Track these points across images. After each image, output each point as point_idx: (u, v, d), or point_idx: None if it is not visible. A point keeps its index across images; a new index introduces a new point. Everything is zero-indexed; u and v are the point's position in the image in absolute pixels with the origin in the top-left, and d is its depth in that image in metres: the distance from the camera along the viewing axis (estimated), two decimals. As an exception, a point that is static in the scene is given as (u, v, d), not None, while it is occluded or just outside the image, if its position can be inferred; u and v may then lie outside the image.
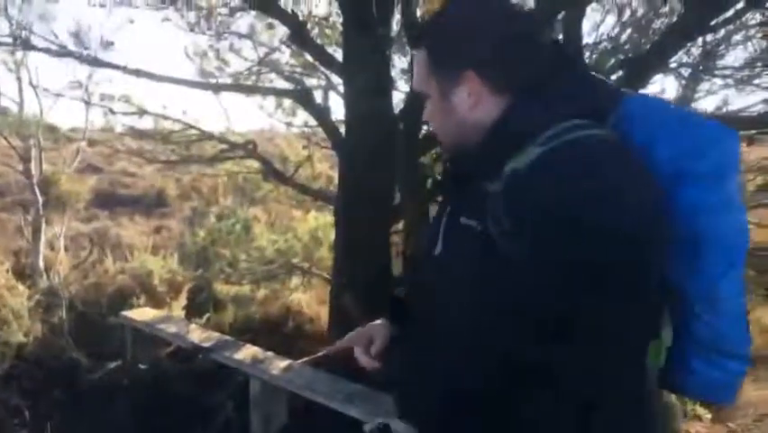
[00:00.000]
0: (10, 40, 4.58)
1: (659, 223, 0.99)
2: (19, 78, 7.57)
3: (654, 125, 1.09)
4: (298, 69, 5.32)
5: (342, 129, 4.34)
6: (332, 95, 5.29)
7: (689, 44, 3.66)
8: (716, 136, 1.08)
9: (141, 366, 4.71)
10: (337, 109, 6.23)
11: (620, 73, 3.50)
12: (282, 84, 5.22)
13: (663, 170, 1.04)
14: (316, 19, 4.91)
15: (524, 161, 1.02)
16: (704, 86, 3.82)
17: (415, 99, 4.06)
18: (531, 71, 1.09)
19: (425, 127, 4.41)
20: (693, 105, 3.91)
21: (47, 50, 4.22)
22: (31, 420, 4.00)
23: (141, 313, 5.04)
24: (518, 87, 1.10)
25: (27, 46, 4.35)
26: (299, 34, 4.35)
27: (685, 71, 3.74)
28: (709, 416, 4.38)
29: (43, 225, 7.85)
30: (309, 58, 4.91)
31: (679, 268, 1.05)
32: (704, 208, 1.04)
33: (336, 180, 4.58)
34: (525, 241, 0.97)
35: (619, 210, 0.94)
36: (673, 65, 3.75)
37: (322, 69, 5.05)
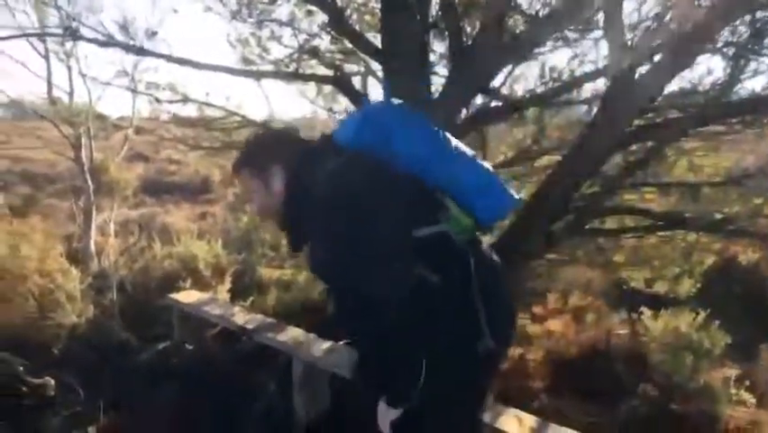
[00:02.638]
0: (60, 31, 4.72)
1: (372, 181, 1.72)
2: (69, 68, 7.80)
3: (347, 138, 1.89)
4: (338, 56, 5.35)
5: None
6: (371, 81, 5.31)
7: (735, 22, 3.56)
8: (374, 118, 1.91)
9: (188, 347, 4.85)
10: (376, 95, 6.23)
11: (663, 54, 3.43)
12: (323, 70, 5.26)
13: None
14: (355, 5, 4.93)
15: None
16: (751, 65, 3.71)
17: (453, 83, 4.06)
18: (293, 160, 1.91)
19: (464, 111, 4.41)
20: (739, 85, 3.81)
21: (95, 41, 4.33)
22: (84, 397, 4.16)
23: (188, 295, 5.18)
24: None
25: (76, 36, 4.47)
26: (338, 20, 4.38)
27: (731, 51, 3.64)
28: (754, 401, 4.31)
29: (94, 211, 8.10)
30: (348, 44, 4.94)
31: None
32: (404, 158, 1.83)
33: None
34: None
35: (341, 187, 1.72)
36: (719, 44, 3.65)
37: (361, 54, 5.07)
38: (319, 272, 1.85)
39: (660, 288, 4.83)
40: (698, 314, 4.83)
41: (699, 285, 4.78)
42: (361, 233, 1.64)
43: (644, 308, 5.22)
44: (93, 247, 7.74)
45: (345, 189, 1.70)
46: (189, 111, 5.18)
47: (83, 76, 7.78)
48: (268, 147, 2.00)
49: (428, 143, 1.89)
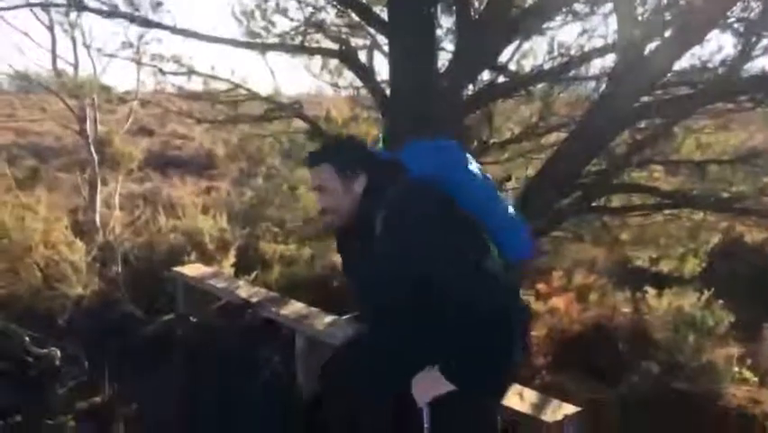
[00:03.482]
0: (64, 0, 4.68)
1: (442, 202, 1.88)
2: (73, 39, 7.73)
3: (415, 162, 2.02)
4: (344, 29, 5.30)
5: (387, 89, 4.33)
6: (377, 55, 5.26)
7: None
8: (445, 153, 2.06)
9: (192, 319, 4.88)
10: (382, 69, 6.19)
11: (673, 30, 3.38)
12: (328, 44, 5.21)
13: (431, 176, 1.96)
14: (362, -23, 4.86)
15: (383, 214, 1.90)
16: (762, 42, 3.64)
17: (459, 58, 4.02)
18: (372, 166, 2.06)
19: (470, 87, 4.37)
20: (750, 63, 3.75)
21: (99, 11, 4.29)
22: (89, 368, 4.19)
23: (192, 269, 5.20)
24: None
25: (80, 6, 4.43)
26: (345, -7, 4.33)
27: (742, 27, 3.57)
28: (756, 379, 4.32)
29: (99, 184, 8.10)
30: (355, 17, 4.89)
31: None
32: (464, 190, 1.95)
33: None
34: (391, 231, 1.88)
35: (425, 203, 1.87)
36: (730, 20, 3.59)
37: (367, 28, 5.02)
38: (377, 281, 1.96)
39: (665, 267, 4.82)
40: (702, 293, 4.83)
41: (703, 264, 4.78)
42: (451, 253, 1.81)
43: (648, 287, 5.22)
44: (98, 220, 7.75)
45: (437, 211, 1.86)
46: (194, 85, 5.15)
47: (87, 47, 7.72)
48: (358, 152, 2.08)
49: (481, 182, 2.05)
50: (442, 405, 1.90)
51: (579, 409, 2.84)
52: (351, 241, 2.10)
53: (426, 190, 1.91)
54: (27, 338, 4.29)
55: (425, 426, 1.93)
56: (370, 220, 1.94)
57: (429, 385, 1.90)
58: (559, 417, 2.77)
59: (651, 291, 5.15)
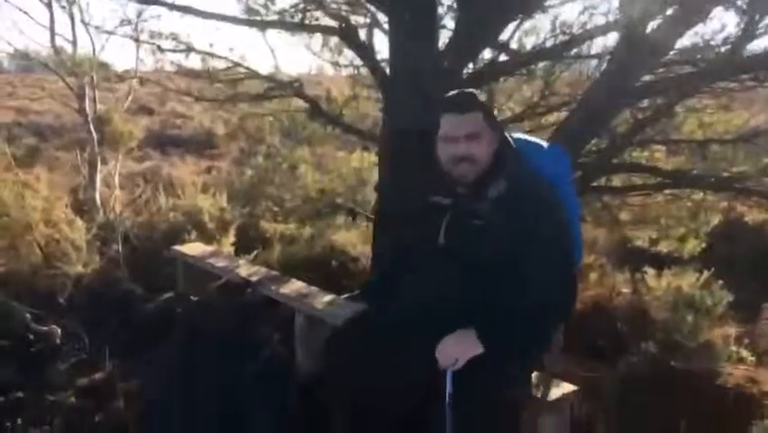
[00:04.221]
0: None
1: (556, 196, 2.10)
2: (72, 16, 7.67)
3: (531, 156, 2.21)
4: (344, 7, 5.24)
5: (388, 67, 4.29)
6: (377, 33, 5.21)
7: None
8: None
9: (192, 298, 4.88)
10: (382, 47, 6.12)
11: (676, 7, 3.35)
12: (328, 22, 5.16)
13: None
14: (362, -47, 4.81)
15: (504, 184, 2.03)
16: (766, 20, 3.60)
17: (460, 36, 3.98)
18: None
19: (470, 65, 4.34)
20: (754, 42, 3.72)
21: (97, -13, 4.25)
22: (89, 346, 4.21)
23: (192, 248, 5.19)
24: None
25: (78, -18, 4.39)
26: (345, -31, 4.27)
27: (745, 4, 3.53)
28: (753, 359, 4.34)
29: (99, 163, 8.08)
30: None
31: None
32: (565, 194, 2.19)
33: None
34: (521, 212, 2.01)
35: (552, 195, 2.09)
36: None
37: (367, 5, 4.97)
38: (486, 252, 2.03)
39: (665, 247, 4.82)
40: (701, 273, 4.83)
41: (704, 245, 4.78)
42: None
43: (647, 268, 5.22)
44: (98, 199, 7.74)
45: (558, 210, 2.08)
46: (193, 63, 5.11)
47: (86, 24, 7.66)
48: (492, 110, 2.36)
49: (575, 197, 2.38)
50: (466, 372, 1.94)
51: (576, 387, 2.85)
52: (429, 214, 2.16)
53: (553, 187, 2.11)
54: (28, 316, 4.30)
55: (448, 391, 1.94)
56: (486, 181, 2.05)
57: (458, 347, 1.96)
58: (556, 395, 2.78)
59: (650, 271, 5.15)
